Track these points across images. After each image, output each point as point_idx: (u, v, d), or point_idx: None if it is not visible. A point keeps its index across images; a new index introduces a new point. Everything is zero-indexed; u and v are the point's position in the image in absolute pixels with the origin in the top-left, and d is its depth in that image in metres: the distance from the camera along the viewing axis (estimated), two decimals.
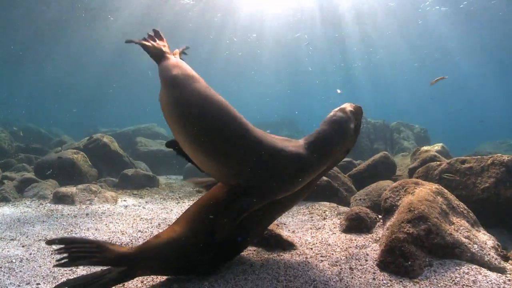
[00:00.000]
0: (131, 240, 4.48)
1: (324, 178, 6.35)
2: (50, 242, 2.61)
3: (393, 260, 3.07)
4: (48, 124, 27.86)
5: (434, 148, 9.10)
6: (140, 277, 3.13)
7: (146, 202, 7.05)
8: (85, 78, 39.17)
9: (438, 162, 5.44)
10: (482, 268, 3.17)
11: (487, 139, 21.31)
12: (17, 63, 30.24)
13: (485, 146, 17.96)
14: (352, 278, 3.01)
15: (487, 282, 2.87)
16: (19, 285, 3.04)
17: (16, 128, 16.09)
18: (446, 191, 4.16)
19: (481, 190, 4.50)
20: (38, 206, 6.25)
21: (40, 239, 4.39)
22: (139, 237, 4.67)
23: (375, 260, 3.28)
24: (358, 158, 10.93)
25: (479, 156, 4.84)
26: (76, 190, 6.77)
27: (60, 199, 6.46)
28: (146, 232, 4.90)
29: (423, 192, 3.84)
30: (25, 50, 27.11)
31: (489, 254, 3.48)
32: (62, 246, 2.62)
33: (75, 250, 2.65)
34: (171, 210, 6.28)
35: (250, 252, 3.83)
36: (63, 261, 2.60)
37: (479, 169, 4.68)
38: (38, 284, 3.08)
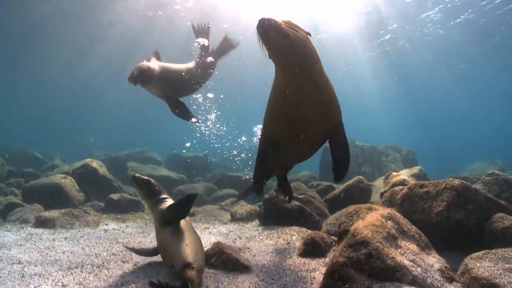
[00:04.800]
0: (103, 263, 4.67)
1: (296, 203, 6.57)
2: None
3: (332, 283, 3.26)
4: (47, 148, 28.15)
5: (412, 171, 9.30)
6: None
7: (126, 226, 7.24)
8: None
9: (401, 187, 5.67)
10: None
11: (479, 159, 21.22)
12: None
13: (474, 167, 17.97)
14: None
15: None
16: None
17: (7, 155, 16.31)
18: (398, 215, 4.36)
19: (435, 214, 4.70)
20: (19, 230, 6.45)
21: (13, 263, 4.59)
22: (111, 259, 4.86)
23: (320, 284, 3.46)
24: (345, 182, 11.05)
25: (435, 181, 5.06)
26: (58, 214, 6.99)
27: (41, 223, 6.67)
28: (119, 255, 5.09)
29: (373, 217, 4.06)
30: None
31: (432, 277, 3.66)
32: None
33: None
34: (149, 234, 6.47)
35: (209, 274, 4.02)
36: None
37: (434, 193, 4.90)
38: None
